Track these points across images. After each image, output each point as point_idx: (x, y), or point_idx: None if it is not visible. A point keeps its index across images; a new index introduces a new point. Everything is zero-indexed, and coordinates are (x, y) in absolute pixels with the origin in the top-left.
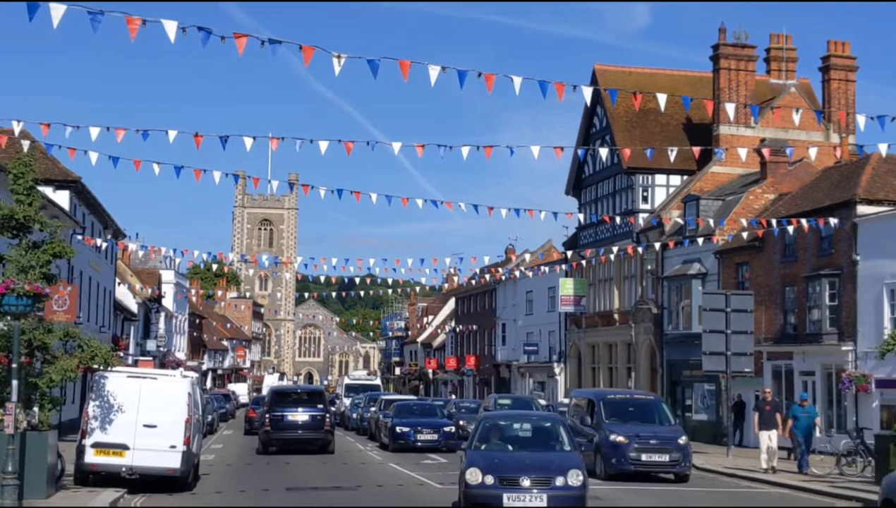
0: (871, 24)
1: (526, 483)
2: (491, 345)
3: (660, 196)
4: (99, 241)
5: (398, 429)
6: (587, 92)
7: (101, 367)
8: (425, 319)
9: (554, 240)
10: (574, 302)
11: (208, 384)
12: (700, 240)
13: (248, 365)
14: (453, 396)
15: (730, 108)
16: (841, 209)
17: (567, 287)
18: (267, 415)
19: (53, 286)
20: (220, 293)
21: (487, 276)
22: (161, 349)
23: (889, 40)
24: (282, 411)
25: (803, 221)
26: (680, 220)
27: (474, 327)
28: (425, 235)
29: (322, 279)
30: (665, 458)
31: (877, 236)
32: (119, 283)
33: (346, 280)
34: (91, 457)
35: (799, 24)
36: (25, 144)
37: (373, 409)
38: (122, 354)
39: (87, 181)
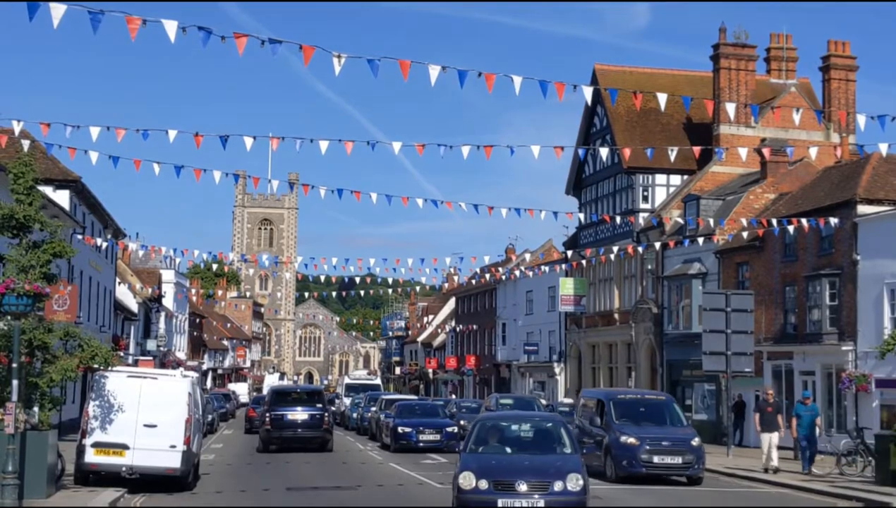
0: (871, 24)
1: (522, 487)
2: (491, 345)
3: (660, 195)
4: (99, 241)
5: (400, 429)
6: (587, 91)
7: (102, 367)
8: (425, 319)
9: (554, 239)
10: (574, 301)
11: (208, 384)
12: (700, 240)
13: (248, 364)
14: (453, 396)
15: (730, 108)
16: (841, 209)
17: (567, 286)
18: (267, 414)
19: (54, 286)
20: (220, 293)
21: (487, 276)
22: (161, 349)
23: (889, 40)
24: (282, 410)
25: (804, 221)
26: (680, 220)
27: (474, 327)
28: (425, 235)
29: (322, 279)
30: (678, 460)
31: (877, 236)
32: (119, 283)
33: (346, 279)
34: (91, 457)
35: (799, 23)
36: (25, 144)
37: (373, 409)
38: (122, 354)
39: (87, 181)
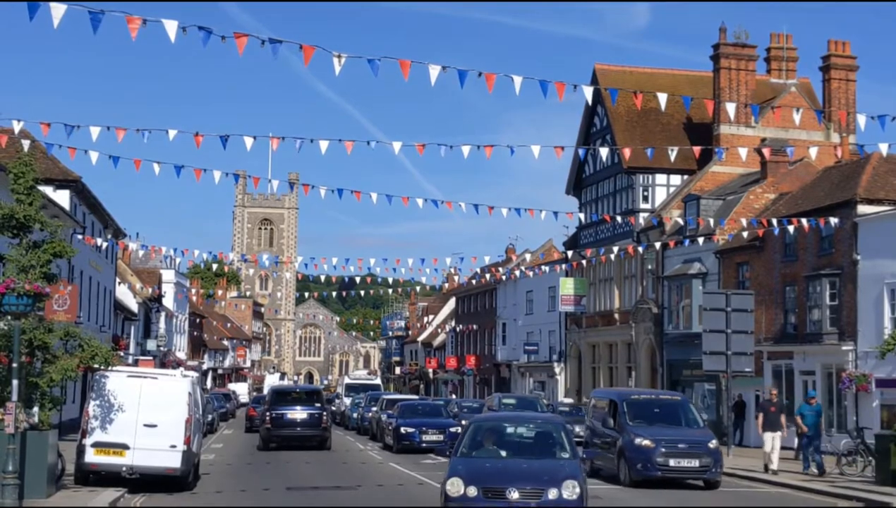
0: (871, 24)
1: (514, 495)
2: (491, 345)
3: (660, 195)
4: (99, 241)
5: (403, 430)
6: (588, 91)
7: (102, 367)
8: (426, 319)
9: (554, 239)
10: (574, 301)
11: (208, 383)
12: (700, 240)
13: (248, 364)
14: (454, 396)
15: (730, 108)
16: (841, 209)
17: (567, 286)
18: (267, 413)
19: (54, 285)
20: (220, 292)
21: (488, 276)
22: (161, 348)
23: (889, 40)
24: (281, 409)
25: (804, 221)
26: (680, 220)
27: (474, 327)
28: (425, 235)
29: (322, 278)
30: (695, 463)
31: (877, 236)
32: (119, 283)
33: (346, 279)
34: (91, 457)
35: (799, 23)
36: (26, 144)
37: (374, 409)
38: (122, 354)
39: (88, 181)
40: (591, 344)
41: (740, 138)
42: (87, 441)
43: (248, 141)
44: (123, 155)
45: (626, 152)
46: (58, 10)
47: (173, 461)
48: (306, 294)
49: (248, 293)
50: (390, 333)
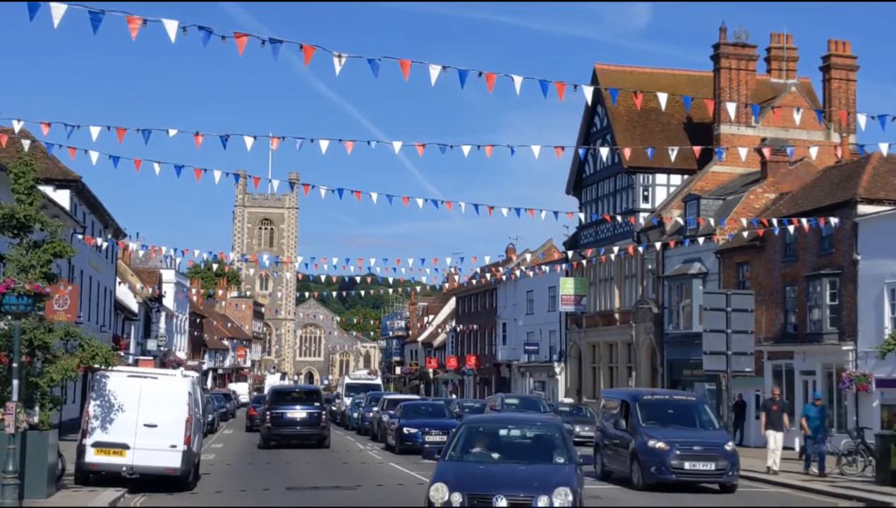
0: (871, 24)
1: (501, 503)
2: (491, 345)
3: (660, 195)
4: (99, 241)
5: (405, 430)
6: (588, 91)
7: (102, 367)
8: (426, 319)
9: (554, 239)
10: (574, 301)
11: (209, 383)
12: (701, 240)
13: (248, 364)
14: (454, 396)
15: (730, 108)
16: (841, 208)
17: (567, 286)
18: (267, 413)
19: (54, 285)
20: (220, 292)
21: (488, 276)
22: (162, 348)
23: (889, 40)
24: (281, 409)
25: (804, 221)
26: (680, 220)
27: (475, 326)
28: (426, 235)
29: (322, 278)
30: (710, 466)
31: (877, 236)
32: (119, 283)
33: (346, 279)
34: (91, 457)
35: (799, 23)
36: (26, 144)
37: (375, 409)
38: (122, 353)
39: (88, 180)
40: (591, 344)
41: (740, 138)
42: (88, 441)
43: (249, 141)
44: (123, 155)
45: (627, 152)
46: (58, 10)
47: (173, 461)
48: (306, 294)
49: (248, 293)
50: (390, 333)
